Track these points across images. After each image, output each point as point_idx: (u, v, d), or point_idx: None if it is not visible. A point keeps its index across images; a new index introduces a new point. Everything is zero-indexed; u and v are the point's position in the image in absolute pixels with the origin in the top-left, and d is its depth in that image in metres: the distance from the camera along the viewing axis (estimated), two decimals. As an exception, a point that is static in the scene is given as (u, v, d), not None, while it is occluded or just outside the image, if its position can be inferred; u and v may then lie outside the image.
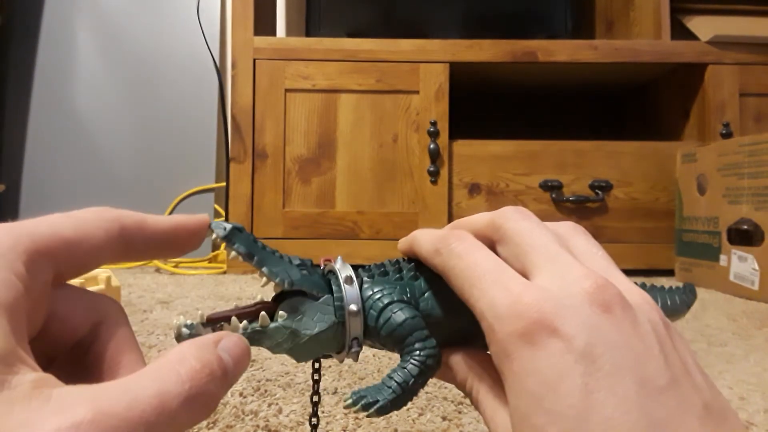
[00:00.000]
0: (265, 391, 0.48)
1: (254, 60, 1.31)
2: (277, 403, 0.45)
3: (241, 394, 0.47)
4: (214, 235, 0.25)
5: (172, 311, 0.81)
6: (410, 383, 0.25)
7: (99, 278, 0.72)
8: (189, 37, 1.68)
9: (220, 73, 1.64)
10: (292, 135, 1.32)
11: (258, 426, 0.40)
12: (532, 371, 0.19)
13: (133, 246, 0.21)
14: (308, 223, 1.30)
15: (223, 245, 0.25)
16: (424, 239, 0.26)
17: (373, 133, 1.31)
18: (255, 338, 0.25)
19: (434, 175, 1.30)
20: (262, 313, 0.25)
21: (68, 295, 0.20)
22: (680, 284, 0.36)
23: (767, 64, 1.29)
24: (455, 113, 1.33)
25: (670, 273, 1.24)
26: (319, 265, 0.28)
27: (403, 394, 0.25)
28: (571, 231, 0.25)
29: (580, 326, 0.19)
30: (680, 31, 1.37)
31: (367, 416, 0.24)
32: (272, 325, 0.25)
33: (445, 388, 0.49)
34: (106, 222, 0.20)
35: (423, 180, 1.30)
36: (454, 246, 0.24)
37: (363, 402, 0.24)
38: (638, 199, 1.29)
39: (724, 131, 1.28)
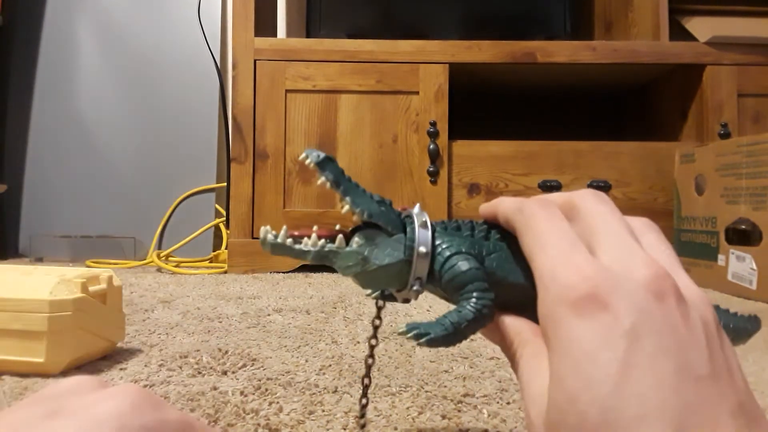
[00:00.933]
0: (266, 390, 0.48)
1: (255, 61, 1.31)
2: (277, 402, 0.45)
3: (241, 393, 0.47)
4: (308, 161, 0.27)
5: (173, 310, 0.82)
6: (462, 326, 0.26)
7: (101, 278, 0.72)
8: (190, 37, 1.69)
9: (221, 73, 1.65)
10: (292, 135, 1.32)
11: (259, 424, 0.41)
12: (576, 338, 0.20)
13: None
14: (309, 223, 1.30)
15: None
16: (509, 200, 0.27)
17: (373, 134, 1.32)
18: (329, 257, 0.27)
19: (434, 176, 1.30)
20: (340, 235, 0.28)
21: None
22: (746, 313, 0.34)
23: (765, 64, 1.29)
24: (455, 114, 1.33)
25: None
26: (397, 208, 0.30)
27: (455, 333, 0.26)
28: (645, 226, 0.25)
29: (631, 307, 0.20)
30: (679, 32, 1.37)
31: (418, 345, 0.26)
32: (347, 248, 0.28)
33: (445, 386, 0.50)
34: None
35: (423, 180, 1.31)
36: (537, 210, 0.25)
37: (416, 332, 0.26)
38: (636, 199, 1.30)
39: (722, 131, 1.29)
